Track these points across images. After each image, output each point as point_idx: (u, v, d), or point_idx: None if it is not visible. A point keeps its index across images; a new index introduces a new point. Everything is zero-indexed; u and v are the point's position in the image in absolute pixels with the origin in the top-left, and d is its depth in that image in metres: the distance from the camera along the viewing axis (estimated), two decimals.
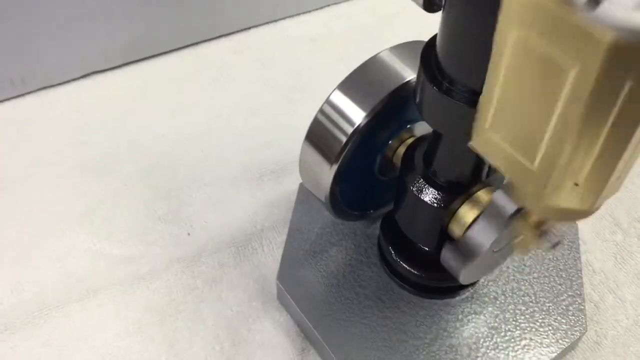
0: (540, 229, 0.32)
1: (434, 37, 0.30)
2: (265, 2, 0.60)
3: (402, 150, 0.37)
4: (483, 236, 0.32)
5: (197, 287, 0.44)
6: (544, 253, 0.41)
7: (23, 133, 0.52)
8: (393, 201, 0.39)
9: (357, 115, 0.34)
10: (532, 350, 0.38)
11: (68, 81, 0.55)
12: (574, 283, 0.41)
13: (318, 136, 0.36)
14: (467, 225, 0.34)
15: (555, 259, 0.42)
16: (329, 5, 0.63)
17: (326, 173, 0.36)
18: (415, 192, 0.35)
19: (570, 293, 0.40)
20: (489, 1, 0.22)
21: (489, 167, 0.35)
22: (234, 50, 0.59)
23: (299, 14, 0.63)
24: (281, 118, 0.54)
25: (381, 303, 0.40)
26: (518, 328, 0.39)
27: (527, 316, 0.39)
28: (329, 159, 0.35)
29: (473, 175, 0.34)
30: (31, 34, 0.52)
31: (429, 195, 0.35)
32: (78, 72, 0.55)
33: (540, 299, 0.40)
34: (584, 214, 0.27)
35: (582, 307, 0.40)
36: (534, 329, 0.39)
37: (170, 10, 0.56)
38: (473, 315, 0.39)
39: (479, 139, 0.27)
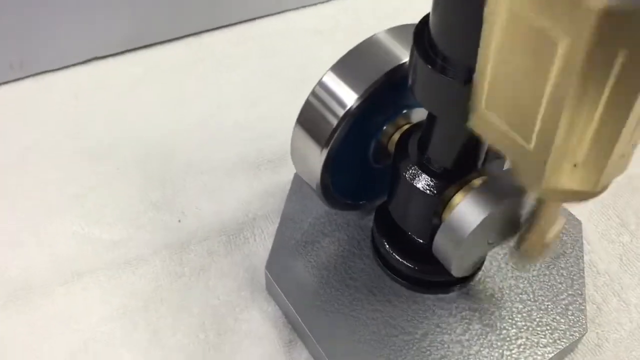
0: (544, 239, 0.31)
1: (427, 16, 0.28)
2: None
3: (397, 136, 0.36)
4: (473, 213, 0.30)
5: (184, 274, 0.42)
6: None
7: (20, 116, 0.52)
8: (387, 191, 0.37)
9: (349, 97, 0.33)
10: (528, 349, 0.36)
11: (67, 66, 0.55)
12: (575, 282, 0.39)
13: (309, 119, 0.35)
14: None
15: (556, 256, 0.40)
16: None
17: (316, 158, 0.34)
18: (408, 179, 0.33)
19: (570, 292, 0.38)
20: None
21: (485, 155, 0.33)
22: (236, 41, 0.58)
23: (304, 6, 0.61)
24: (282, 109, 0.53)
25: (372, 296, 0.38)
26: (514, 327, 0.37)
27: (524, 315, 0.37)
28: (320, 142, 0.34)
29: (468, 163, 0.33)
30: (32, 18, 0.51)
31: (423, 183, 0.33)
32: (78, 58, 0.55)
33: (539, 297, 0.38)
34: (590, 194, 0.25)
35: (583, 307, 0.38)
36: (530, 328, 0.37)
37: None
38: (467, 312, 0.38)
39: (476, 119, 0.26)
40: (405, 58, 0.33)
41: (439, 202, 0.33)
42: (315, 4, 0.62)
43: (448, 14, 0.26)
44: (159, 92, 0.54)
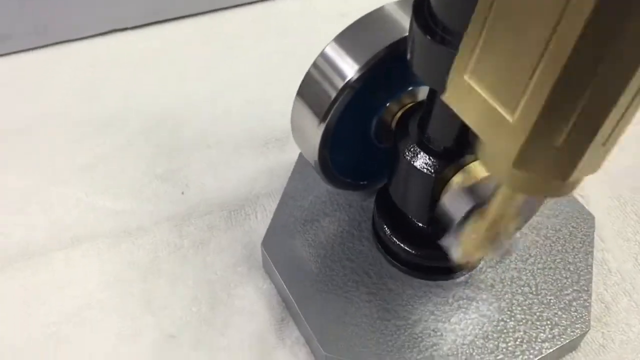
0: (493, 230, 0.28)
1: None
2: None
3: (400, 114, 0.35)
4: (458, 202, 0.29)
5: (183, 247, 0.42)
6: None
7: (38, 83, 0.52)
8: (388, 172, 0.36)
9: (350, 68, 0.32)
10: (525, 343, 0.35)
11: (87, 37, 0.55)
12: (582, 278, 0.37)
13: (309, 92, 0.34)
14: None
15: (564, 250, 0.38)
16: None
17: (315, 132, 0.33)
18: (407, 158, 0.32)
19: (575, 288, 0.37)
20: None
21: None
22: (256, 18, 0.57)
23: None
24: (295, 90, 0.52)
25: (367, 278, 0.37)
26: (512, 319, 0.35)
27: (525, 308, 0.36)
28: (318, 115, 0.33)
29: (468, 143, 0.31)
30: None
31: (421, 162, 0.32)
32: (97, 29, 0.55)
33: (542, 290, 0.36)
34: (556, 189, 0.23)
35: (587, 305, 0.36)
36: (530, 322, 0.35)
37: None
38: (464, 301, 0.36)
39: (454, 90, 0.24)
40: None
41: (438, 182, 0.32)
42: None
43: None
44: (174, 67, 0.54)
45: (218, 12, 0.58)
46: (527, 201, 0.31)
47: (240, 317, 0.39)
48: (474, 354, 0.34)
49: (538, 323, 0.35)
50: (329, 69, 0.33)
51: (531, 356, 0.34)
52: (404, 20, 0.33)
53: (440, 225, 0.31)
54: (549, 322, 0.35)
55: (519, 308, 0.36)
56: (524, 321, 0.35)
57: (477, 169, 0.31)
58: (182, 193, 0.45)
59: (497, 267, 0.37)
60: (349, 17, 0.58)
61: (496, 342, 0.35)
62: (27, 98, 0.51)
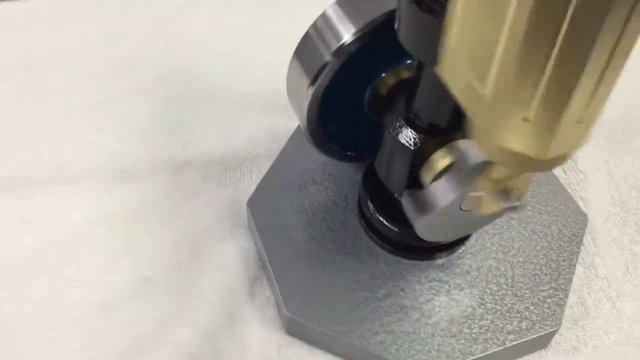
0: (501, 186, 0.28)
1: None
2: None
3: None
4: (442, 193, 0.29)
5: (175, 196, 0.43)
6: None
7: (61, 21, 0.53)
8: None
9: (347, 31, 0.32)
10: (490, 332, 0.34)
11: None
12: (562, 277, 0.36)
13: (305, 52, 0.34)
14: (436, 172, 0.31)
15: (549, 247, 0.37)
16: None
17: (305, 92, 0.33)
18: (391, 131, 0.32)
19: (553, 285, 0.36)
20: None
21: None
22: None
23: None
24: None
25: (344, 248, 0.37)
26: (482, 307, 0.35)
27: (497, 298, 0.35)
28: (309, 76, 0.33)
29: (453, 120, 0.31)
30: None
31: (404, 135, 0.32)
32: None
33: (518, 283, 0.36)
34: (539, 163, 0.23)
35: (562, 303, 0.35)
36: (499, 312, 0.35)
37: None
38: (437, 283, 0.36)
39: (444, 63, 0.24)
40: None
41: (417, 156, 0.31)
42: None
43: None
44: (202, 18, 0.54)
45: None
46: None
47: (217, 270, 0.39)
48: (436, 334, 0.34)
49: (507, 314, 0.35)
50: (327, 30, 0.33)
51: (494, 345, 0.34)
52: None
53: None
54: (518, 315, 0.35)
55: (491, 297, 0.35)
56: (492, 311, 0.35)
57: (460, 146, 0.31)
58: (184, 145, 0.46)
59: (477, 254, 0.37)
60: None
61: (460, 327, 0.34)
62: (52, 33, 0.52)
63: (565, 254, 0.37)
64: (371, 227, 0.37)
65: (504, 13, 0.20)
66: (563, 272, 0.36)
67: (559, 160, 0.23)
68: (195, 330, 0.37)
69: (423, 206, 0.30)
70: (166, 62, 0.51)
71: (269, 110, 0.48)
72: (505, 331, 0.34)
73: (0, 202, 0.42)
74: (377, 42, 0.32)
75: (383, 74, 0.35)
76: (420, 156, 0.31)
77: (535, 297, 0.35)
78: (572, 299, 0.38)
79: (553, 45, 0.19)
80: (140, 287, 0.38)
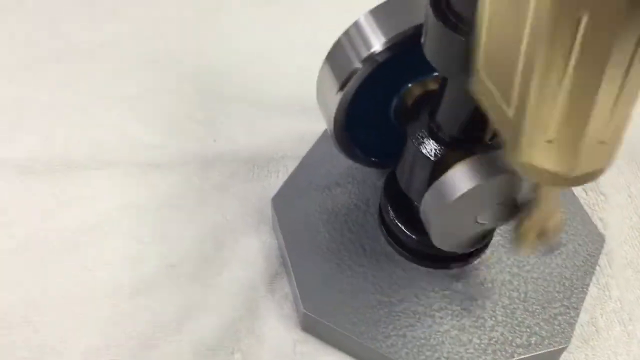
0: (541, 228, 0.29)
1: None
2: None
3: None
4: (463, 179, 0.29)
5: (203, 189, 0.44)
6: (539, 255, 0.37)
7: (103, 11, 0.55)
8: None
9: (377, 41, 0.33)
10: (499, 344, 0.35)
11: None
12: (574, 296, 0.37)
13: (336, 58, 0.35)
14: None
15: (564, 265, 0.38)
16: None
17: (333, 97, 0.35)
18: (414, 142, 0.33)
19: (565, 303, 0.36)
20: None
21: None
22: None
23: None
24: None
25: (362, 251, 0.38)
26: (493, 319, 0.36)
27: (508, 311, 0.36)
28: (339, 82, 0.34)
29: (475, 134, 0.32)
30: None
31: (427, 147, 0.33)
32: None
33: (530, 299, 0.36)
34: (567, 180, 0.24)
35: (573, 322, 0.36)
36: (509, 325, 0.35)
37: None
38: (450, 292, 0.37)
39: (476, 83, 0.25)
40: None
41: (437, 168, 0.32)
42: None
43: None
44: (238, 19, 0.55)
45: None
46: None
47: (239, 263, 0.41)
48: (446, 342, 0.35)
49: (517, 328, 0.35)
50: (358, 38, 0.34)
51: (502, 357, 0.34)
52: None
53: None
54: (528, 330, 0.35)
55: (502, 310, 0.36)
56: (503, 323, 0.35)
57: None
58: (214, 140, 0.47)
59: (492, 267, 0.38)
60: None
61: (470, 337, 0.35)
62: (95, 26, 0.54)
63: (579, 273, 0.38)
64: (390, 233, 0.38)
65: (519, 37, 0.21)
66: (576, 290, 0.37)
67: (587, 177, 0.24)
68: (215, 319, 0.38)
69: (442, 196, 0.31)
70: (202, 59, 0.52)
71: (296, 113, 0.49)
72: (514, 344, 0.35)
73: (39, 183, 0.44)
74: (406, 52, 0.33)
75: (410, 84, 0.36)
76: (440, 168, 0.32)
77: (547, 314, 0.36)
78: (584, 318, 0.38)
79: (567, 67, 0.20)
80: (166, 273, 0.40)
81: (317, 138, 0.47)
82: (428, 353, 0.35)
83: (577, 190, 0.44)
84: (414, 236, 0.37)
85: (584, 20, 0.18)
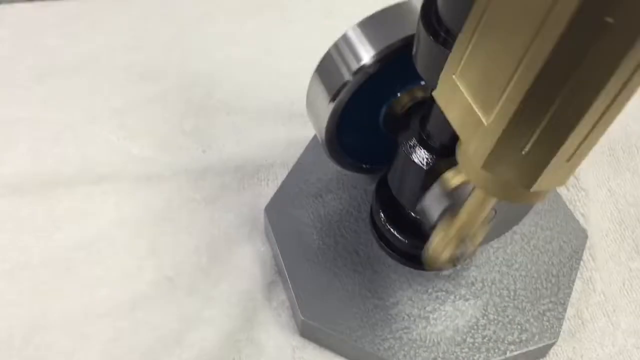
0: (462, 232, 0.30)
1: None
2: None
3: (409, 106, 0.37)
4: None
5: (195, 200, 0.45)
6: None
7: (89, 25, 0.55)
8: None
9: (366, 53, 0.34)
10: (492, 342, 0.36)
11: None
12: (561, 292, 0.38)
13: (325, 70, 0.36)
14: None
15: (550, 262, 0.39)
16: None
17: (325, 109, 0.35)
18: (405, 150, 0.34)
19: (553, 299, 0.38)
20: None
21: None
22: None
23: None
24: None
25: (356, 256, 0.39)
26: (485, 318, 0.37)
27: (499, 309, 0.37)
28: (330, 94, 0.35)
29: None
30: None
31: (417, 155, 0.34)
32: None
33: (519, 296, 0.38)
34: (520, 195, 0.25)
35: (561, 317, 0.37)
36: (501, 323, 0.37)
37: None
38: (443, 293, 0.38)
39: (443, 88, 0.26)
40: None
41: (428, 175, 0.33)
42: None
43: None
44: (221, 28, 0.55)
45: None
46: (509, 209, 0.32)
47: (235, 273, 0.42)
48: (441, 343, 0.36)
49: (509, 326, 0.37)
50: (347, 51, 0.35)
51: (495, 355, 0.36)
52: None
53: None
54: (519, 327, 0.37)
55: (494, 309, 0.37)
56: (495, 322, 0.37)
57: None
58: (204, 151, 0.48)
59: (482, 267, 0.39)
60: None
61: (464, 336, 0.36)
62: (80, 37, 0.54)
63: (565, 270, 0.39)
64: (382, 237, 0.39)
65: (520, 56, 0.22)
66: (562, 287, 0.38)
67: (538, 196, 0.25)
68: (215, 330, 0.39)
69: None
70: (187, 69, 0.53)
71: (283, 120, 0.50)
72: (506, 342, 0.36)
73: (29, 203, 0.44)
74: (394, 64, 0.34)
75: (399, 94, 0.37)
76: (432, 175, 0.33)
77: (536, 310, 0.37)
78: (570, 312, 0.40)
79: (557, 93, 0.21)
80: (163, 287, 0.41)
81: (304, 144, 0.48)
82: (424, 354, 0.36)
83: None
84: (405, 239, 0.38)
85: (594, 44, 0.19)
